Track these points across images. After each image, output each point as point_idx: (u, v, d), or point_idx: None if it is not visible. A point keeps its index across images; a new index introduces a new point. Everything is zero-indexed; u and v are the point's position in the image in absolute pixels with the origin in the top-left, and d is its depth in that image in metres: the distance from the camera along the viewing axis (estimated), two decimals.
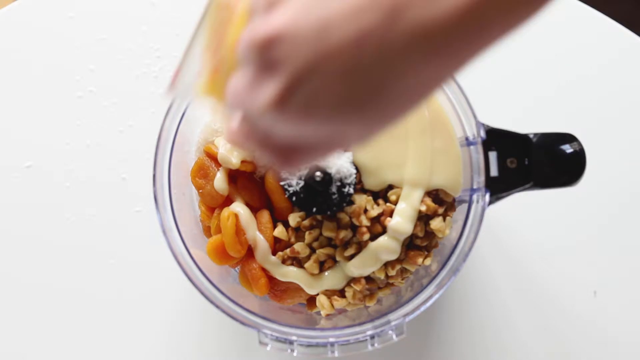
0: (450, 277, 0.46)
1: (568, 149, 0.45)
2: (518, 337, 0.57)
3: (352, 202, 0.47)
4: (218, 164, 0.49)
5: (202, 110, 0.50)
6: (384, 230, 0.48)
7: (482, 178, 0.45)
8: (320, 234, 0.48)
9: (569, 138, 0.45)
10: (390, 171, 0.48)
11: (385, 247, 0.47)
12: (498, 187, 0.45)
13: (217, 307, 0.46)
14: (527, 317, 0.57)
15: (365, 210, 0.47)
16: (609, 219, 0.59)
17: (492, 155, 0.45)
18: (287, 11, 0.25)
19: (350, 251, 0.48)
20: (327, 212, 0.47)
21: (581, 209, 0.58)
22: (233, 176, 0.49)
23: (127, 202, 0.58)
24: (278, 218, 0.50)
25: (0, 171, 0.59)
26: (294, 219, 0.48)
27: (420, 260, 0.48)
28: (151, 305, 0.57)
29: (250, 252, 0.49)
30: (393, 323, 0.46)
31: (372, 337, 0.46)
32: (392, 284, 0.51)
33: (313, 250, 0.49)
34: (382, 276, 0.49)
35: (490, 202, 0.45)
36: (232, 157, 0.48)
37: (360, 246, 0.48)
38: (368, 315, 0.49)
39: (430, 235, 0.48)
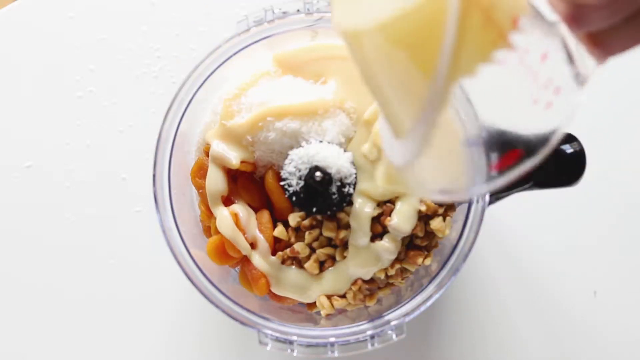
0: (450, 277, 0.46)
1: (568, 149, 0.45)
2: (518, 337, 0.57)
3: (351, 202, 0.47)
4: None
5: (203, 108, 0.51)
6: (384, 230, 0.48)
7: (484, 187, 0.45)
8: (320, 234, 0.48)
9: (569, 138, 0.45)
10: None
11: (385, 247, 0.47)
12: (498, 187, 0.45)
13: (217, 307, 0.46)
14: (527, 316, 0.57)
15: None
16: (609, 218, 0.59)
17: (492, 156, 0.45)
18: None
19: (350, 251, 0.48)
20: (327, 212, 0.47)
21: (581, 209, 0.58)
22: (233, 176, 0.49)
23: (127, 202, 0.58)
24: (278, 218, 0.50)
25: (0, 171, 0.59)
26: (294, 219, 0.48)
27: (420, 260, 0.48)
28: (151, 305, 0.57)
29: None
30: (393, 323, 0.46)
31: (372, 337, 0.46)
32: (392, 284, 0.51)
33: (313, 250, 0.49)
34: (382, 276, 0.49)
35: (490, 202, 0.45)
36: (232, 157, 0.48)
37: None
38: (368, 315, 0.49)
39: (430, 235, 0.48)
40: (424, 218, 0.48)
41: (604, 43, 0.28)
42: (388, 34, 0.27)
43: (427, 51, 0.26)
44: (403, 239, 0.48)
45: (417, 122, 0.27)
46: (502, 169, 0.30)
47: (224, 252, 0.48)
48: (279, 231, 0.49)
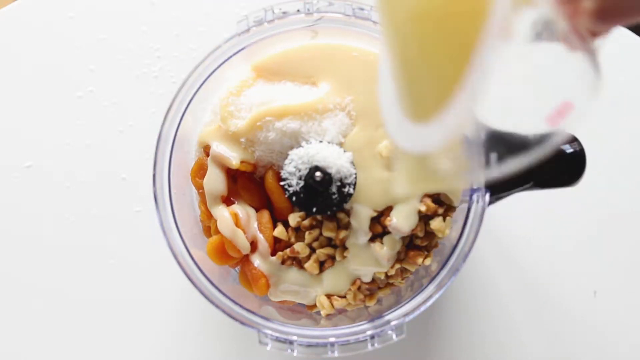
0: (450, 277, 0.46)
1: (568, 149, 0.45)
2: (518, 337, 0.57)
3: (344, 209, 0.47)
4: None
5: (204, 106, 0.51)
6: (384, 231, 0.48)
7: (482, 178, 0.45)
8: (320, 234, 0.48)
9: (569, 138, 0.45)
10: None
11: (382, 254, 0.47)
12: (498, 187, 0.45)
13: (217, 307, 0.46)
14: (526, 317, 0.57)
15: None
16: (609, 218, 0.59)
17: (492, 156, 0.45)
18: None
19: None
20: (327, 212, 0.47)
21: (581, 208, 0.58)
22: (233, 176, 0.49)
23: (127, 202, 0.58)
24: (278, 218, 0.50)
25: (0, 171, 0.59)
26: (294, 219, 0.48)
27: (420, 260, 0.48)
28: (151, 305, 0.57)
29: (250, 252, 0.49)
30: (393, 323, 0.46)
31: (372, 337, 0.46)
32: (392, 284, 0.51)
33: (313, 250, 0.49)
34: (382, 276, 0.49)
35: (491, 202, 0.45)
36: (232, 157, 0.48)
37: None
38: (368, 315, 0.49)
39: (430, 235, 0.48)
40: (424, 218, 0.48)
41: (603, 11, 0.29)
42: None
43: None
44: (403, 239, 0.48)
45: (463, 86, 0.26)
46: (554, 122, 0.29)
47: (224, 252, 0.48)
48: (279, 231, 0.49)
